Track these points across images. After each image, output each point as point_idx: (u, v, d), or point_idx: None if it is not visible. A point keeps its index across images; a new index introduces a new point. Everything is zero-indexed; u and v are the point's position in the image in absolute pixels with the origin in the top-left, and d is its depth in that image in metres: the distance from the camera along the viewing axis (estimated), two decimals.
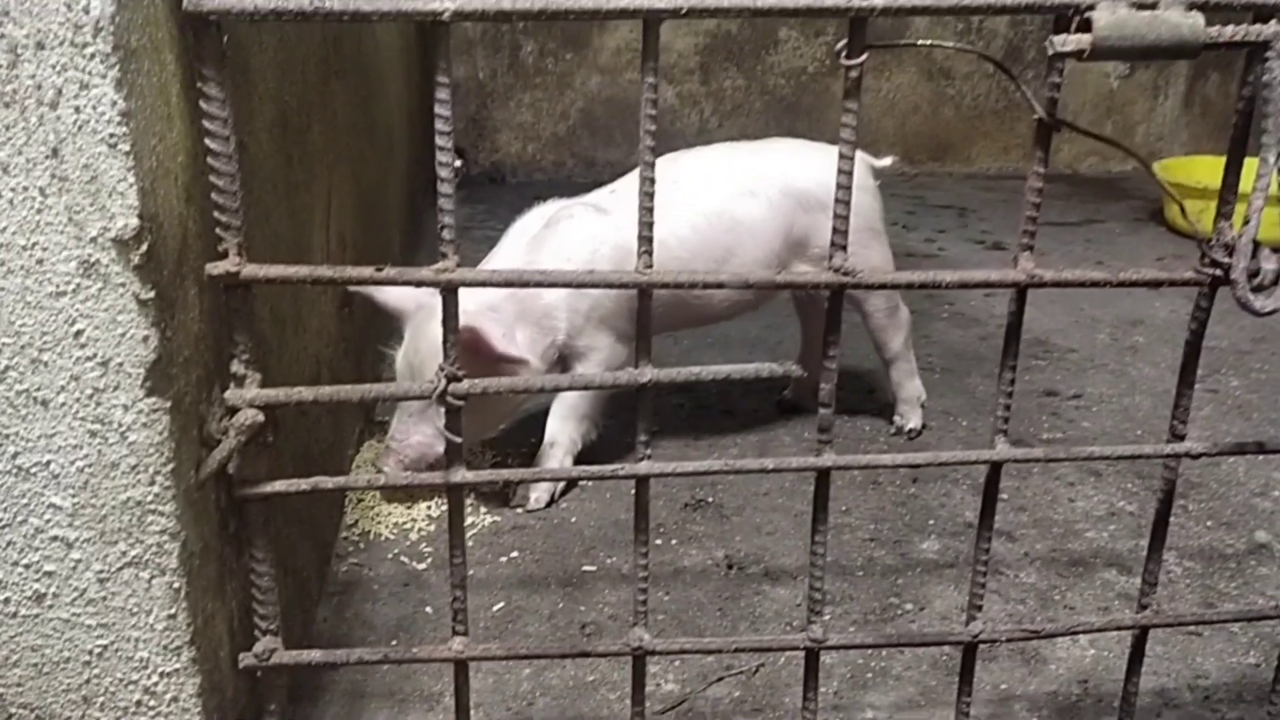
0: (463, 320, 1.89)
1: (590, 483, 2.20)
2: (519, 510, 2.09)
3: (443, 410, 1.14)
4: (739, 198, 2.21)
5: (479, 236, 3.32)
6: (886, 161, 2.41)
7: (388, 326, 2.17)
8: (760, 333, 2.94)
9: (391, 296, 2.07)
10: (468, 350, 1.87)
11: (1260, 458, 2.33)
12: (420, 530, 1.99)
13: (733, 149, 2.39)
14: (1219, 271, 1.15)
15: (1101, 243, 4.01)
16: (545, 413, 2.20)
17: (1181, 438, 1.25)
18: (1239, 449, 1.27)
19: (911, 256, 3.72)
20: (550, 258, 2.07)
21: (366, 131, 2.59)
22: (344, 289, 2.07)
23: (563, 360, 2.16)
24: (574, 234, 2.12)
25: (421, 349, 1.99)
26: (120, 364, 0.99)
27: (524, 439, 2.28)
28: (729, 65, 4.84)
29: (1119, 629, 1.32)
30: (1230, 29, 1.05)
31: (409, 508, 2.05)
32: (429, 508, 2.06)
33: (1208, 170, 4.04)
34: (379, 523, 2.00)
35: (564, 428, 2.17)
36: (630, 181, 2.29)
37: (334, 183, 2.02)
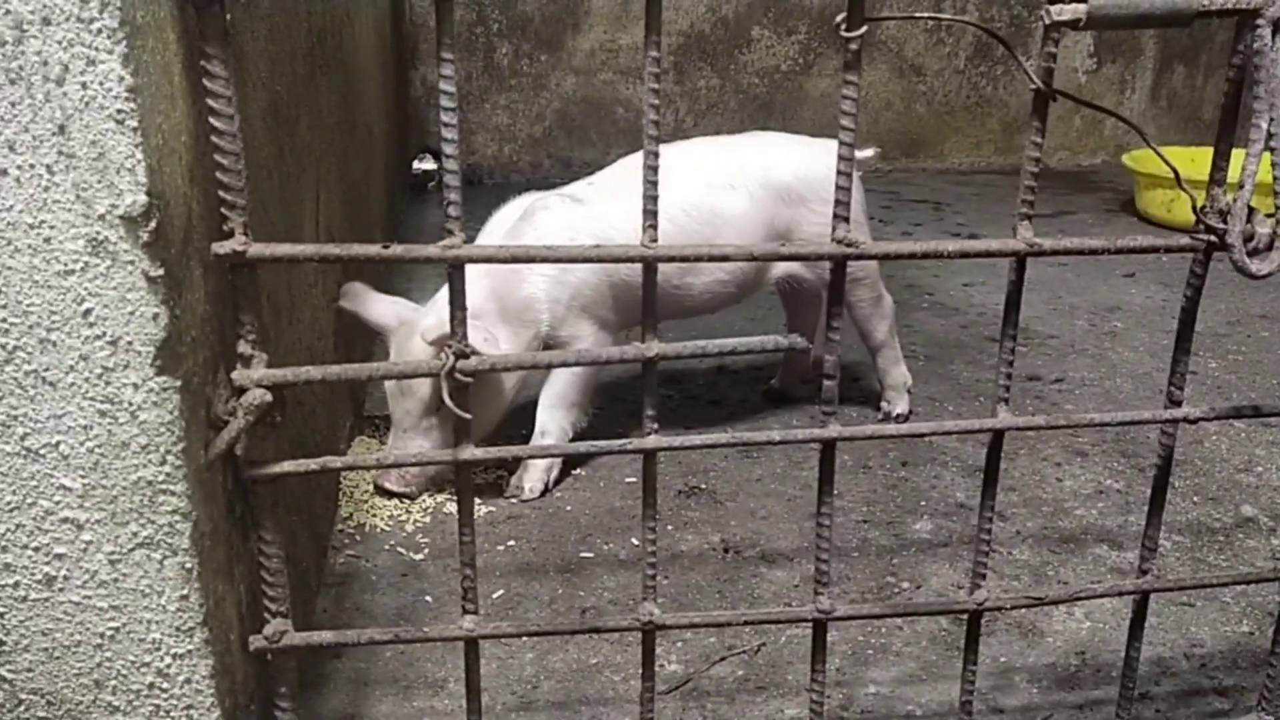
0: (440, 330, 1.90)
1: (583, 471, 2.20)
2: (514, 500, 2.09)
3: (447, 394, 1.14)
4: (719, 191, 2.22)
5: None
6: (868, 153, 2.42)
7: (375, 334, 2.16)
8: (745, 325, 2.95)
9: (375, 312, 2.09)
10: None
11: (1243, 435, 2.36)
12: (416, 522, 1.99)
13: (712, 142, 2.40)
14: (1214, 237, 1.17)
15: (1075, 234, 4.05)
16: (535, 404, 2.21)
17: (1179, 403, 1.27)
18: (1236, 413, 1.29)
19: None
20: None
21: (349, 129, 2.58)
22: (335, 287, 2.07)
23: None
24: (550, 224, 2.12)
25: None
26: (130, 342, 0.99)
27: (514, 431, 2.27)
28: (703, 65, 4.87)
29: (1121, 594, 1.34)
30: None
31: (405, 505, 2.05)
32: (423, 499, 2.05)
33: (1177, 160, 4.08)
34: (374, 515, 1.99)
35: (554, 416, 2.17)
36: (608, 174, 2.30)
37: (322, 177, 2.01)
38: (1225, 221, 1.15)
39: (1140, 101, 5.17)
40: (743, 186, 2.24)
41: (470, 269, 1.14)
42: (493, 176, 4.84)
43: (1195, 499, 2.11)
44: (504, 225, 2.18)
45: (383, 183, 3.38)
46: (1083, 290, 3.38)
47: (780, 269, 2.33)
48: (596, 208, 2.16)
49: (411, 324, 2.03)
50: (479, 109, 4.78)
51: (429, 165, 4.57)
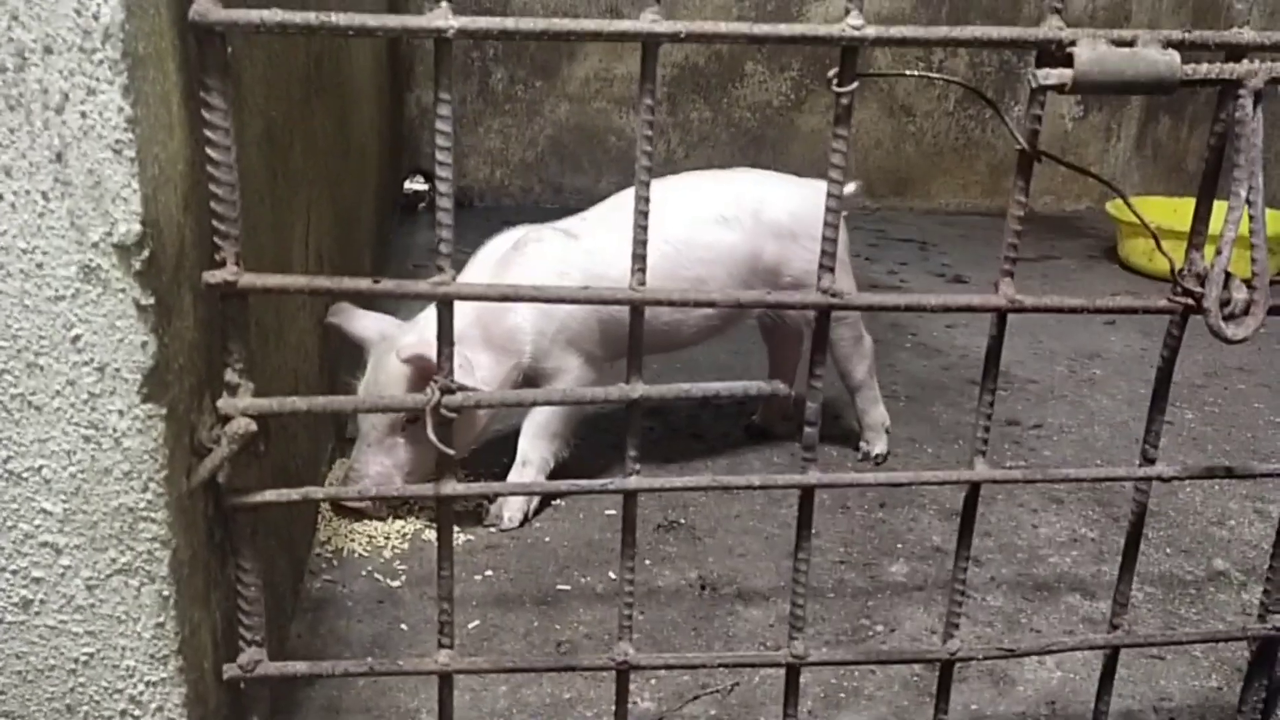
0: (415, 349, 1.91)
1: (563, 502, 2.21)
2: (492, 529, 2.09)
3: (427, 427, 1.15)
4: (710, 226, 2.24)
5: None
6: (851, 187, 2.45)
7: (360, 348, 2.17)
8: (728, 359, 2.97)
9: (359, 327, 2.10)
10: (422, 378, 1.88)
11: (1216, 488, 2.39)
12: (394, 548, 1.98)
13: (702, 177, 2.42)
14: (1191, 301, 1.20)
15: (1057, 279, 4.10)
16: (517, 433, 2.21)
17: (1153, 461, 1.29)
18: (1209, 473, 1.31)
19: (875, 288, 3.77)
20: (516, 281, 2.08)
21: (343, 152, 2.59)
22: (323, 309, 2.07)
23: (529, 382, 2.16)
24: (542, 258, 2.13)
25: (380, 379, 2.00)
26: (117, 369, 0.99)
27: (495, 459, 2.28)
28: (696, 97, 4.90)
29: (1092, 648, 1.35)
30: (1205, 67, 1.10)
31: (383, 530, 2.04)
32: (402, 525, 2.05)
33: (1159, 211, 4.15)
34: (352, 540, 1.99)
35: (536, 446, 2.18)
36: (602, 209, 2.32)
37: (313, 200, 2.02)
38: (1202, 285, 1.17)
39: (1125, 151, 5.24)
40: (734, 221, 2.26)
41: None
42: (484, 200, 4.86)
43: (1168, 550, 2.13)
44: (495, 255, 2.19)
45: (374, 203, 3.39)
46: (1063, 336, 3.41)
47: None
48: (589, 242, 2.18)
49: (391, 340, 2.03)
50: (472, 133, 4.80)
51: (420, 186, 4.59)
